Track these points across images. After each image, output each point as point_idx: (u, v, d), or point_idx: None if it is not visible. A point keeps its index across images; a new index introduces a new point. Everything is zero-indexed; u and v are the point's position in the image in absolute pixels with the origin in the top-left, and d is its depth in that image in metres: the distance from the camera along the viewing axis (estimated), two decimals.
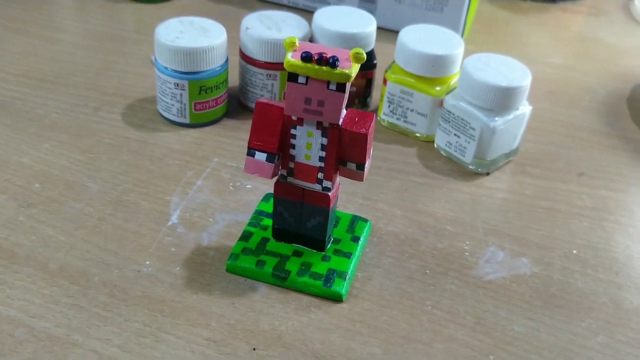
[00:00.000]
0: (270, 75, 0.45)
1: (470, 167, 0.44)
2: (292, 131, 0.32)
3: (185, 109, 0.44)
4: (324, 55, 0.29)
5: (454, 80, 0.45)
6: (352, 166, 0.33)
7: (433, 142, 0.46)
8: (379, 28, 0.48)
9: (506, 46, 0.60)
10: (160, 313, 0.32)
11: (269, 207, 0.38)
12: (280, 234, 0.36)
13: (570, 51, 0.61)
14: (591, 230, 0.40)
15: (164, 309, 0.33)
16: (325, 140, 0.32)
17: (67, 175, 0.40)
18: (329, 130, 0.31)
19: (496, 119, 0.42)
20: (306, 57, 0.29)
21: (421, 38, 0.45)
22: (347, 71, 0.29)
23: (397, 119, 0.47)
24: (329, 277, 0.34)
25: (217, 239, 0.37)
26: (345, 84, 0.30)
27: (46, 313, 0.32)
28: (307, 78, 0.30)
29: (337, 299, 0.34)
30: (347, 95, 0.30)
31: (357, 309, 0.34)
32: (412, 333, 0.33)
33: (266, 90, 0.46)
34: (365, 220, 0.38)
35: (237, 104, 0.48)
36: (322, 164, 0.32)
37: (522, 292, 0.36)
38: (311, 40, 0.47)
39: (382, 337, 0.32)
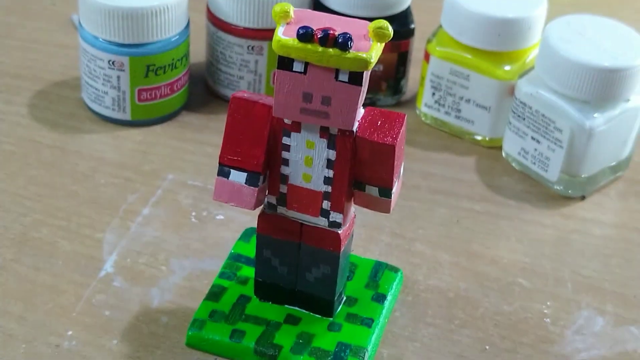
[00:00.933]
0: (253, 48, 0.49)
1: (556, 187, 0.47)
2: (285, 140, 0.35)
3: (124, 98, 0.47)
4: (331, 32, 0.32)
5: (531, 57, 0.48)
6: (372, 191, 0.35)
7: (500, 148, 0.49)
8: None
9: (612, 5, 0.64)
10: None
11: (249, 250, 0.41)
12: (266, 290, 0.39)
13: None
14: None
15: None
16: (332, 154, 0.35)
17: None
18: (339, 139, 0.34)
19: (595, 115, 0.45)
20: (305, 35, 0.32)
21: None
22: (364, 55, 0.32)
23: (447, 113, 0.50)
24: (339, 355, 0.37)
25: (172, 297, 0.40)
26: (362, 73, 0.33)
27: None
28: (307, 65, 0.33)
29: None
30: (364, 88, 0.33)
31: None
32: None
33: (247, 69, 0.49)
34: (396, 270, 0.41)
35: (203, 91, 0.52)
36: (329, 188, 0.35)
37: None
38: (317, 3, 0.50)
39: None
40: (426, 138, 0.50)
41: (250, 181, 0.35)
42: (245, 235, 0.42)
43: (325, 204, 0.36)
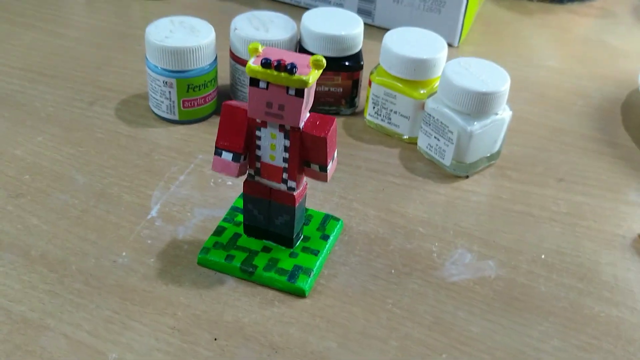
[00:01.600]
0: None
1: (449, 169, 0.45)
2: (257, 132, 0.34)
3: (174, 106, 0.47)
4: (282, 61, 0.31)
5: (437, 83, 0.47)
6: (315, 167, 0.34)
7: (416, 144, 0.47)
8: (377, 27, 0.49)
9: (504, 47, 0.61)
10: (130, 302, 0.35)
11: None
12: (251, 230, 0.38)
13: (569, 54, 0.61)
14: (562, 235, 0.41)
15: (135, 297, 0.35)
16: (287, 143, 0.34)
17: (56, 167, 0.43)
18: (291, 132, 0.33)
19: (474, 123, 0.43)
20: (265, 64, 0.31)
21: (405, 41, 0.46)
22: (304, 77, 0.31)
23: (382, 120, 0.48)
24: (294, 273, 0.36)
25: (192, 232, 0.39)
26: (304, 89, 0.31)
27: (23, 298, 0.34)
28: (268, 83, 0.32)
29: (300, 294, 0.36)
30: (306, 99, 0.32)
31: (318, 305, 0.36)
32: (369, 329, 0.35)
33: None
34: (337, 219, 0.40)
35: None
36: (286, 165, 0.34)
37: (484, 295, 0.37)
38: (299, 41, 0.48)
39: (340, 332, 0.34)
40: (369, 136, 0.49)
41: (234, 158, 0.34)
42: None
43: (285, 175, 0.35)
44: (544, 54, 0.61)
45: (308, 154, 0.34)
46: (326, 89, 0.49)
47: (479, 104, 0.42)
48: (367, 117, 0.49)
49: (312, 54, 0.47)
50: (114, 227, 0.39)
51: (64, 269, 0.36)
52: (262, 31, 0.47)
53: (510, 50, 0.61)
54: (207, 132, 0.47)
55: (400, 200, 0.43)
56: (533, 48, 0.62)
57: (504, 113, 0.44)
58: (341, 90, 0.49)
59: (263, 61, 0.31)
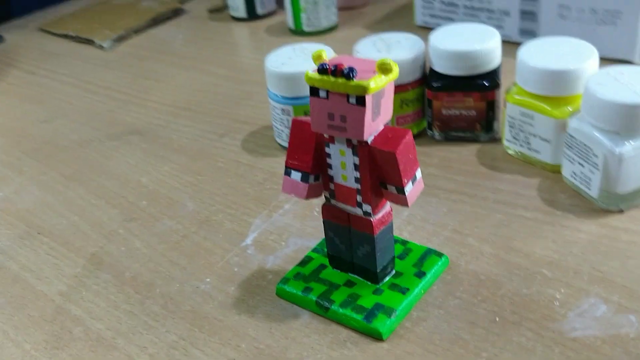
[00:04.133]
0: None
1: (598, 202, 0.37)
2: (327, 149, 0.31)
3: None
4: (339, 66, 0.28)
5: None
6: (392, 189, 0.30)
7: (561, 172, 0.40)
8: (508, 42, 0.44)
9: None
10: (199, 329, 0.34)
11: None
12: (335, 261, 0.35)
13: None
14: None
15: (204, 325, 0.34)
16: (357, 160, 0.30)
17: (172, 194, 0.44)
18: (359, 148, 0.30)
19: (625, 144, 0.35)
20: (322, 70, 0.28)
21: (544, 52, 0.40)
22: (363, 83, 0.28)
23: (521, 145, 0.42)
24: (373, 312, 0.32)
25: (281, 262, 0.37)
26: (365, 96, 0.28)
27: (104, 316, 0.35)
28: (328, 92, 0.29)
29: (377, 336, 0.32)
30: (373, 109, 0.29)
31: (396, 351, 0.31)
32: None
33: None
34: (440, 255, 0.35)
35: None
36: (359, 185, 0.31)
37: (615, 357, 0.29)
38: (430, 63, 0.45)
39: None
40: (506, 165, 0.43)
41: (303, 178, 0.32)
42: None
43: (359, 198, 0.31)
44: None
45: (382, 173, 0.30)
46: (457, 112, 0.44)
47: (630, 119, 0.35)
48: (505, 142, 0.43)
49: (441, 74, 0.43)
50: (206, 253, 0.39)
51: (148, 292, 0.36)
52: (384, 52, 0.44)
53: None
54: None
55: (527, 237, 0.36)
56: None
57: None
58: (475, 113, 0.44)
59: (319, 67, 0.28)
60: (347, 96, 0.28)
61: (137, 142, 0.51)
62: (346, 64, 0.28)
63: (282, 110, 0.45)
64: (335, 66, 0.28)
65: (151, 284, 0.37)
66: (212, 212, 0.42)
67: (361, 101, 0.28)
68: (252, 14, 0.69)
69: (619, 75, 0.37)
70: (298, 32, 0.65)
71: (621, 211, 0.37)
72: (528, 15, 0.55)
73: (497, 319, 0.32)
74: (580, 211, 0.38)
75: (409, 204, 0.31)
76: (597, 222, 0.37)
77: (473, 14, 0.59)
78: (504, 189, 0.40)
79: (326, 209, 0.33)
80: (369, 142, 0.30)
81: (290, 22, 0.65)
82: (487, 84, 0.43)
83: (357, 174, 0.31)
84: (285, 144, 0.46)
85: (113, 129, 0.53)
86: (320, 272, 0.35)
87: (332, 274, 0.35)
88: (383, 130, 0.30)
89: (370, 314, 0.32)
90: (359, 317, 0.32)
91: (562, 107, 0.39)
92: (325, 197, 0.33)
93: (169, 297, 0.36)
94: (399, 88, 0.44)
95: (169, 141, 0.50)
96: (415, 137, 0.46)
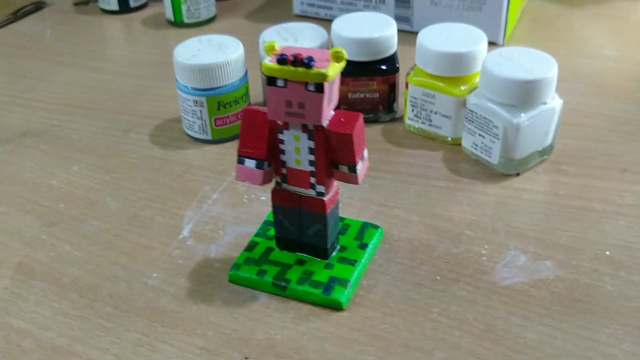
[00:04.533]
0: None
1: (498, 168, 0.42)
2: (280, 136, 0.32)
3: (206, 125, 0.46)
4: (299, 56, 0.30)
5: (478, 79, 0.44)
6: (344, 169, 0.33)
7: (460, 144, 0.45)
8: (416, 34, 0.48)
9: (554, 41, 0.58)
10: (159, 323, 0.34)
11: None
12: (283, 243, 0.36)
13: (627, 42, 0.58)
14: (629, 229, 0.38)
15: (164, 319, 0.34)
16: (312, 144, 0.32)
17: (90, 194, 0.43)
18: (315, 132, 0.32)
19: (521, 115, 0.40)
20: (282, 60, 0.30)
21: (441, 37, 0.44)
22: (323, 70, 0.29)
23: (422, 122, 0.46)
24: (330, 285, 0.34)
25: (224, 250, 0.38)
26: (323, 84, 0.30)
27: (53, 324, 0.34)
28: (286, 80, 0.30)
29: (337, 307, 0.34)
30: (328, 95, 0.31)
31: (357, 317, 0.33)
32: (413, 341, 0.32)
33: None
34: (376, 227, 0.38)
35: None
36: (313, 168, 0.33)
37: (542, 298, 0.34)
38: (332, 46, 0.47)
39: (380, 345, 0.32)
40: (410, 141, 0.47)
41: (258, 165, 0.33)
42: None
43: (312, 180, 0.33)
44: (599, 44, 0.58)
45: (335, 155, 0.32)
46: (362, 95, 0.47)
47: (524, 94, 0.40)
48: (407, 121, 0.47)
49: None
50: (145, 249, 0.38)
51: (94, 294, 0.36)
52: (290, 41, 0.46)
53: (561, 43, 0.58)
54: None
55: (445, 204, 0.40)
56: (586, 39, 0.59)
57: (554, 102, 0.41)
58: (378, 95, 0.47)
59: (279, 57, 0.30)
60: (306, 84, 0.30)
61: (34, 144, 0.48)
62: (304, 54, 0.30)
63: (195, 102, 0.45)
64: (295, 56, 0.30)
65: (95, 286, 0.36)
66: (138, 208, 0.41)
67: (320, 88, 0.30)
68: (124, 7, 0.67)
69: (509, 55, 0.42)
70: (178, 24, 0.64)
71: (518, 174, 0.42)
72: (402, 3, 0.60)
73: (438, 278, 0.35)
74: (483, 177, 0.43)
75: (359, 182, 0.33)
76: (500, 185, 0.42)
77: (350, 2, 0.62)
78: (414, 162, 0.44)
79: (276, 194, 0.35)
80: (325, 126, 0.32)
81: (169, 13, 0.64)
82: (388, 68, 0.46)
83: (312, 157, 0.32)
84: (197, 136, 0.47)
85: (1, 133, 0.50)
86: (269, 254, 0.37)
87: (281, 255, 0.36)
88: (335, 114, 0.32)
89: (327, 287, 0.34)
90: (317, 291, 0.34)
91: (459, 85, 0.44)
92: (276, 182, 0.34)
93: (119, 297, 0.35)
94: None
95: (70, 141, 0.48)
96: None
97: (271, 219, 0.39)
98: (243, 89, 0.46)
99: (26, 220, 0.41)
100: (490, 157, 0.42)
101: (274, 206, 0.35)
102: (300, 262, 0.36)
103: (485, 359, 0.31)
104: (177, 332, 0.33)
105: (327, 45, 0.47)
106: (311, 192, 0.34)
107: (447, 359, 0.31)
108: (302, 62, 0.30)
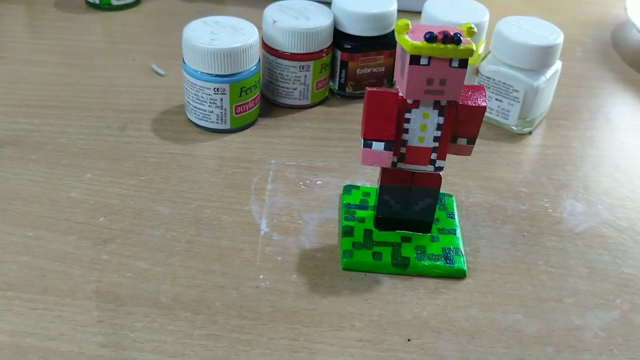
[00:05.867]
0: (303, 67, 0.45)
1: (514, 128, 0.46)
2: (407, 115, 0.32)
3: (225, 114, 0.42)
4: (448, 33, 0.29)
5: (480, 49, 0.47)
6: (462, 141, 0.33)
7: None
8: (401, 11, 0.48)
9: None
10: (300, 324, 0.32)
11: (354, 199, 0.38)
12: (383, 223, 0.36)
13: (544, 10, 0.64)
14: None
15: (303, 319, 0.32)
16: (441, 120, 0.32)
17: (129, 202, 0.38)
18: (447, 108, 0.32)
19: (540, 77, 0.43)
20: (431, 38, 0.29)
21: (447, 9, 0.46)
22: (469, 46, 0.30)
23: None
24: (447, 255, 0.35)
25: (316, 239, 0.36)
26: (467, 59, 0.30)
27: (185, 350, 0.30)
28: (430, 58, 0.30)
29: (460, 275, 0.35)
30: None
31: (481, 282, 0.35)
32: (541, 293, 0.34)
33: (299, 82, 0.45)
34: (450, 196, 0.39)
35: (264, 103, 0.47)
36: (436, 144, 0.33)
37: (614, 237, 0.38)
38: (335, 24, 0.46)
39: (516, 302, 0.33)
40: None
41: (387, 147, 0.32)
42: (346, 190, 0.39)
43: (433, 155, 0.33)
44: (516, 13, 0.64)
45: (459, 128, 0.32)
46: (369, 70, 0.47)
47: (542, 58, 0.43)
48: None
49: (350, 35, 0.45)
50: (233, 252, 0.35)
51: (209, 308, 0.32)
52: (303, 20, 0.44)
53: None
54: (264, 136, 0.44)
55: (488, 166, 0.43)
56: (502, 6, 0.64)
57: (557, 65, 0.45)
58: (383, 69, 0.47)
59: (427, 35, 0.29)
60: (450, 60, 0.30)
61: (18, 155, 0.41)
62: (451, 31, 0.30)
63: (216, 89, 0.41)
64: (445, 33, 0.29)
65: (204, 300, 0.32)
66: (195, 210, 0.38)
67: (464, 64, 0.30)
68: None
69: (518, 24, 0.45)
70: (104, 7, 0.57)
71: (530, 133, 0.46)
72: None
73: (525, 234, 0.38)
74: (503, 138, 0.45)
75: (471, 153, 0.34)
76: (521, 143, 0.45)
77: None
78: None
79: (387, 174, 0.34)
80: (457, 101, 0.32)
81: None
82: (394, 41, 0.47)
83: (438, 133, 0.32)
84: (213, 126, 0.43)
85: None
86: (371, 236, 0.36)
87: (384, 235, 0.36)
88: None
89: (447, 258, 0.35)
90: (440, 263, 0.34)
91: None
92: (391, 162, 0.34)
93: (238, 306, 0.32)
94: (317, 54, 0.45)
95: (61, 146, 0.41)
96: (324, 100, 0.48)
97: (347, 201, 0.38)
98: (259, 73, 0.43)
99: (71, 242, 0.35)
100: (507, 119, 0.45)
101: (381, 187, 0.34)
102: (406, 239, 0.36)
103: (606, 297, 0.34)
104: (324, 329, 0.31)
105: (333, 22, 0.46)
106: (429, 168, 0.34)
107: (577, 303, 0.34)
108: (452, 38, 0.29)
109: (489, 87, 0.45)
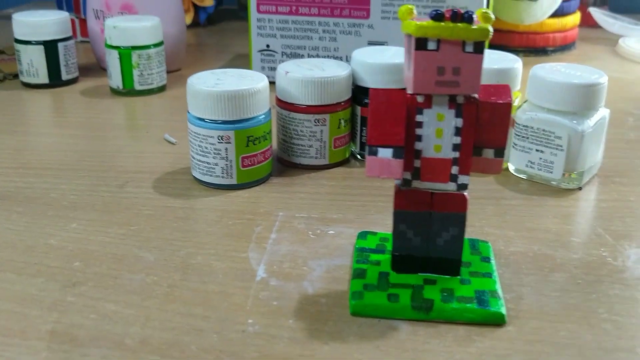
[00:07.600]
0: (318, 121, 0.41)
1: (559, 184, 0.40)
2: (418, 117, 0.27)
3: (231, 166, 0.39)
4: (458, 10, 0.26)
5: (516, 102, 0.42)
6: (488, 154, 0.28)
7: (506, 169, 0.42)
8: None
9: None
10: None
11: (370, 243, 0.33)
12: (402, 263, 0.30)
13: None
14: None
15: None
16: (460, 122, 0.27)
17: (112, 249, 0.33)
18: (465, 106, 0.27)
19: (584, 121, 0.38)
20: (437, 16, 0.25)
21: None
22: (485, 26, 0.26)
23: None
24: (481, 298, 0.28)
25: (322, 285, 0.30)
26: (484, 42, 0.26)
27: None
28: (439, 42, 0.26)
29: (498, 321, 0.28)
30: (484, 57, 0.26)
31: (526, 329, 0.27)
32: (605, 343, 0.27)
33: (315, 138, 0.41)
34: (486, 242, 0.33)
35: (277, 164, 0.43)
36: (457, 154, 0.28)
37: None
38: (355, 79, 0.43)
39: (572, 352, 0.26)
40: None
41: (396, 154, 0.27)
42: (361, 236, 0.33)
43: (454, 169, 0.28)
44: None
45: (482, 134, 0.27)
46: None
47: (585, 99, 0.38)
48: None
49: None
50: (220, 296, 0.29)
51: (182, 352, 0.26)
52: (317, 71, 0.41)
53: None
54: (275, 192, 0.39)
55: (531, 218, 0.37)
56: None
57: (603, 111, 0.40)
58: None
59: (434, 13, 0.25)
60: (463, 44, 0.26)
61: (4, 207, 0.37)
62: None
63: (220, 137, 0.38)
64: (454, 10, 0.26)
65: (177, 343, 0.26)
66: (184, 256, 0.33)
67: (479, 48, 0.26)
68: (55, 79, 0.58)
69: (555, 68, 0.41)
70: (127, 93, 0.57)
71: (580, 188, 0.40)
72: None
73: (579, 282, 0.31)
74: (550, 194, 0.40)
75: (501, 170, 0.28)
76: (570, 198, 0.39)
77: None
78: (472, 187, 0.40)
79: (402, 196, 0.29)
80: (477, 97, 0.27)
81: (116, 82, 0.56)
82: None
83: (458, 140, 0.27)
84: (221, 182, 0.39)
85: None
86: (387, 279, 0.30)
87: (403, 278, 0.30)
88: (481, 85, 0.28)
89: (480, 301, 0.28)
90: (471, 306, 0.28)
91: None
92: (404, 180, 0.28)
93: (218, 350, 0.26)
94: (333, 107, 0.41)
95: (51, 200, 0.38)
96: (345, 161, 0.44)
97: (362, 245, 0.32)
98: (269, 123, 0.40)
99: (36, 284, 0.30)
100: (551, 172, 0.40)
101: (396, 214, 0.29)
102: (430, 282, 0.29)
103: None
104: None
105: (351, 74, 0.43)
106: (450, 187, 0.28)
107: None
108: (462, 16, 0.25)
109: (527, 137, 0.40)
